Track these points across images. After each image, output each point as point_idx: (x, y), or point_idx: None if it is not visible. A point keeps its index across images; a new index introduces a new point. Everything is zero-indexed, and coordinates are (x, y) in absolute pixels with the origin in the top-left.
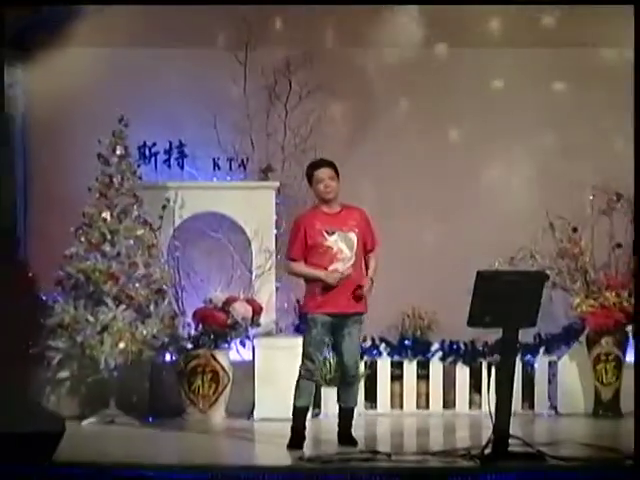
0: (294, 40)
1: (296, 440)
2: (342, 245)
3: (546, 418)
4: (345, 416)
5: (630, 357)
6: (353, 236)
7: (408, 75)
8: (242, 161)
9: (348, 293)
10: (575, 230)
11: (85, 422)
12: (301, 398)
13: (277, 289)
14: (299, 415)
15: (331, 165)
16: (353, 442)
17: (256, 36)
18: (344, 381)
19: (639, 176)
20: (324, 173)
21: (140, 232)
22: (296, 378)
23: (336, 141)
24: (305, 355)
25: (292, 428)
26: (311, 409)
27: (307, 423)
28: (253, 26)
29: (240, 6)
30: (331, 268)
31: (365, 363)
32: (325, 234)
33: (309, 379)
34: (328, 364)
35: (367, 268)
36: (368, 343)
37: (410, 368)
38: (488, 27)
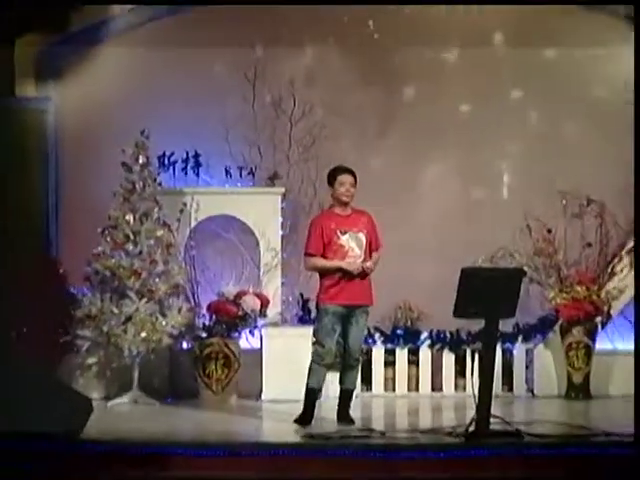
0: (297, 60)
1: (304, 417)
2: (353, 244)
3: (524, 400)
4: (345, 397)
5: (599, 345)
6: (362, 237)
7: (405, 87)
8: (251, 169)
9: (358, 287)
10: (550, 231)
11: (111, 403)
12: (312, 380)
13: (282, 284)
14: (309, 395)
15: (353, 173)
16: (351, 421)
17: (264, 57)
18: (347, 364)
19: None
20: (347, 178)
21: (160, 233)
22: (300, 364)
23: (336, 151)
24: (317, 341)
25: (304, 406)
26: None
27: None
28: (261, 49)
29: (249, 33)
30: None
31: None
32: (339, 233)
33: (319, 363)
34: None
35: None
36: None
37: (402, 355)
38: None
